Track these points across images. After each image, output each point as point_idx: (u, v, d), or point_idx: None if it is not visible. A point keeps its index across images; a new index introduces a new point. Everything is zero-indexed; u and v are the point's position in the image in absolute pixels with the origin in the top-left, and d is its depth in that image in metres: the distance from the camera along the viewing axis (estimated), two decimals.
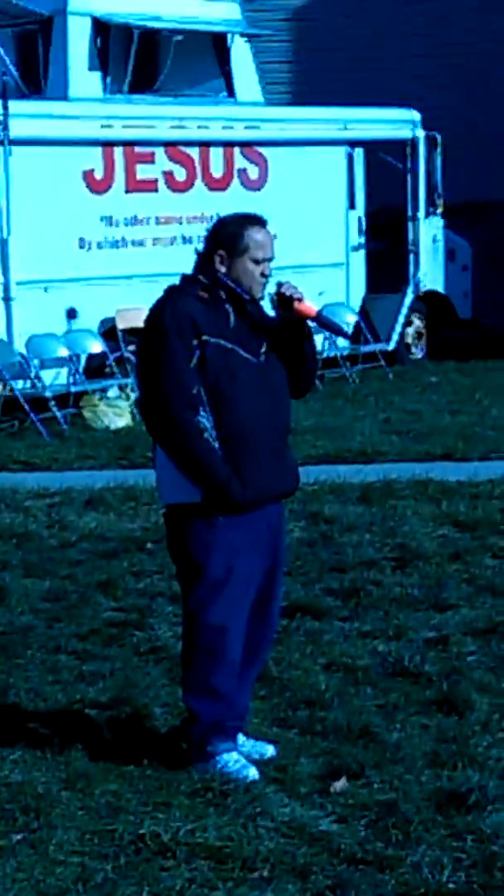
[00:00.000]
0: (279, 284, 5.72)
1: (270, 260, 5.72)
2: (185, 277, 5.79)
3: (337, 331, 6.25)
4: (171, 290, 5.75)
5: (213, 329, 5.62)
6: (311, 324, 5.79)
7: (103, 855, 5.00)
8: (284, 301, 5.70)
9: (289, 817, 5.26)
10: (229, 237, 5.68)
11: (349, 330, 17.19)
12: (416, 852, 4.92)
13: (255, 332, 5.73)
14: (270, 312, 5.81)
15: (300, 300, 5.69)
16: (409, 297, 19.28)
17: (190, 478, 5.64)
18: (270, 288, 5.77)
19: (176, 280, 5.81)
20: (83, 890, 4.72)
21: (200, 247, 5.81)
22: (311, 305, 5.74)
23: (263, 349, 5.73)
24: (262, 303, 5.80)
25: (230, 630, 5.71)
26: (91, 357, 15.80)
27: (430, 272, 19.51)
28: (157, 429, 5.69)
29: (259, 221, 5.74)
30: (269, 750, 5.91)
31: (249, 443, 5.66)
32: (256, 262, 5.67)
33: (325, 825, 5.20)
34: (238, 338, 5.66)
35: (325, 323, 5.89)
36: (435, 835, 5.07)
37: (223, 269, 5.67)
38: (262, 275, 5.70)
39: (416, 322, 19.60)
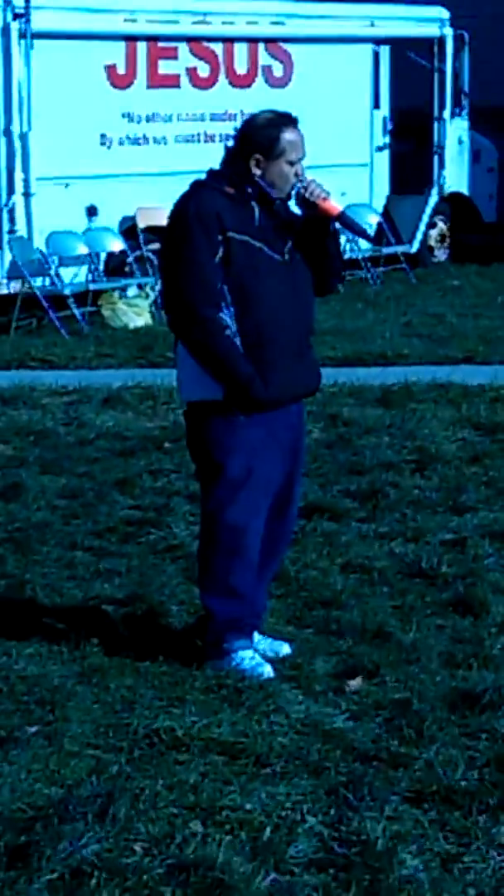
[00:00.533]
0: (302, 182, 5.63)
1: (303, 159, 5.65)
2: (211, 172, 5.70)
3: (359, 232, 6.16)
4: (196, 185, 5.68)
5: (238, 225, 5.55)
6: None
7: (118, 748, 5.02)
8: (308, 199, 5.62)
9: (303, 714, 5.27)
10: (265, 140, 5.58)
11: (371, 231, 17.04)
12: (429, 751, 4.93)
13: (280, 230, 5.66)
14: (296, 210, 5.74)
15: (325, 199, 5.62)
16: (432, 199, 19.08)
17: (212, 375, 5.59)
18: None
19: (198, 177, 5.72)
20: (97, 781, 4.74)
21: (230, 143, 5.72)
22: (335, 204, 5.66)
23: (288, 248, 5.67)
24: (288, 201, 5.73)
25: (249, 529, 5.69)
26: (111, 255, 15.71)
27: (454, 174, 19.29)
28: (179, 324, 5.64)
29: (292, 121, 5.66)
30: (285, 648, 5.91)
31: (272, 341, 5.61)
32: (292, 163, 5.60)
33: (339, 723, 5.21)
34: (263, 235, 5.60)
35: (348, 223, 5.81)
36: (448, 734, 5.07)
37: (258, 173, 5.59)
38: (296, 175, 5.63)
39: (440, 224, 19.42)
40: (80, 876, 4.17)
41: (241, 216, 5.57)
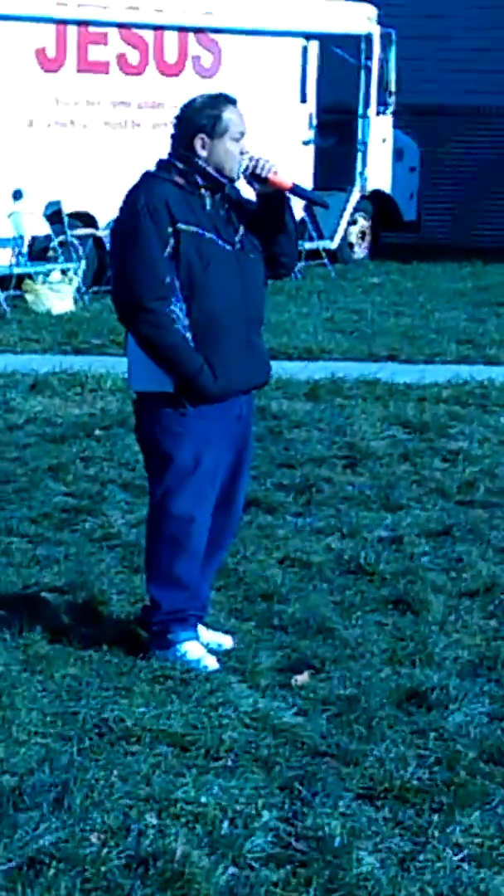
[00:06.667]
0: (251, 160, 5.62)
1: (244, 135, 5.64)
2: (160, 163, 5.69)
3: (315, 201, 6.11)
4: (146, 177, 5.65)
5: (188, 216, 5.53)
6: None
7: (67, 737, 4.97)
8: (259, 175, 5.61)
9: (251, 708, 5.25)
10: (209, 119, 5.59)
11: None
12: (379, 748, 4.94)
13: (230, 217, 5.64)
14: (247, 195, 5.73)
15: (276, 173, 5.61)
16: (354, 196, 19.15)
17: (160, 367, 5.57)
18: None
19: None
20: (49, 771, 4.70)
21: (174, 131, 5.70)
22: (286, 177, 5.65)
23: (239, 236, 5.65)
24: (239, 184, 5.71)
25: (196, 520, 5.68)
26: (34, 239, 15.57)
27: (377, 172, 19.37)
28: (128, 317, 5.61)
29: (232, 100, 5.68)
30: (228, 641, 5.90)
31: (222, 333, 5.60)
32: (236, 140, 5.60)
33: (288, 717, 5.20)
34: (213, 224, 5.59)
35: (302, 194, 5.79)
36: (398, 731, 5.08)
37: (205, 154, 5.58)
38: (241, 152, 5.62)
39: (361, 221, 19.49)
40: (38, 865, 4.14)
41: (190, 206, 5.56)
